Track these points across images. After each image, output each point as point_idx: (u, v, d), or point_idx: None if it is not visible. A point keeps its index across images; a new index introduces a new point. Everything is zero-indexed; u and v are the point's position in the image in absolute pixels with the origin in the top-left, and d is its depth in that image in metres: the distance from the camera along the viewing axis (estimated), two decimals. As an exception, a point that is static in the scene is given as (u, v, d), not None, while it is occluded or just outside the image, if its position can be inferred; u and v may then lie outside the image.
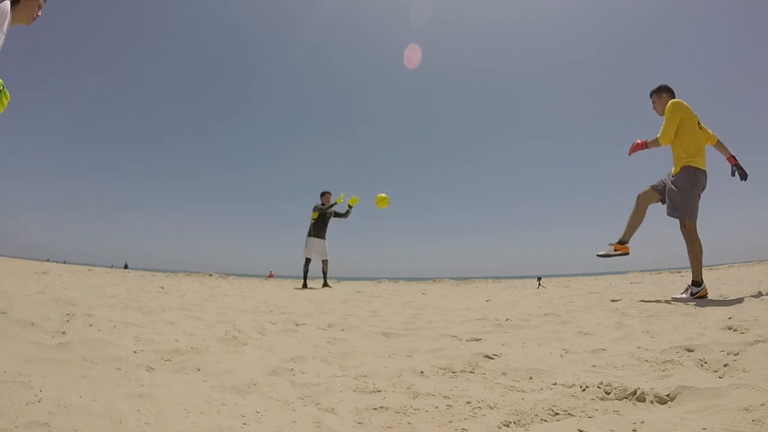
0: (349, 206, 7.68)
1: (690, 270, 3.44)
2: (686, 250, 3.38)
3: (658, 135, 3.47)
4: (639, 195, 3.66)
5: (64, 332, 1.84)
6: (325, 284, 7.45)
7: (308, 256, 7.39)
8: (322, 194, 7.65)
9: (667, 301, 3.26)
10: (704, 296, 3.31)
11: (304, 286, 7.30)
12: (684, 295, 3.37)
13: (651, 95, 3.73)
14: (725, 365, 1.39)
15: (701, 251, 3.34)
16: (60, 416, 0.97)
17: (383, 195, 6.84)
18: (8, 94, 1.97)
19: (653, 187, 3.62)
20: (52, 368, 1.35)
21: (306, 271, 7.39)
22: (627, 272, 11.59)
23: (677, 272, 9.97)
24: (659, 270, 12.10)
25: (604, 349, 1.77)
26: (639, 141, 3.67)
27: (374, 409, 1.15)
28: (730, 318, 2.17)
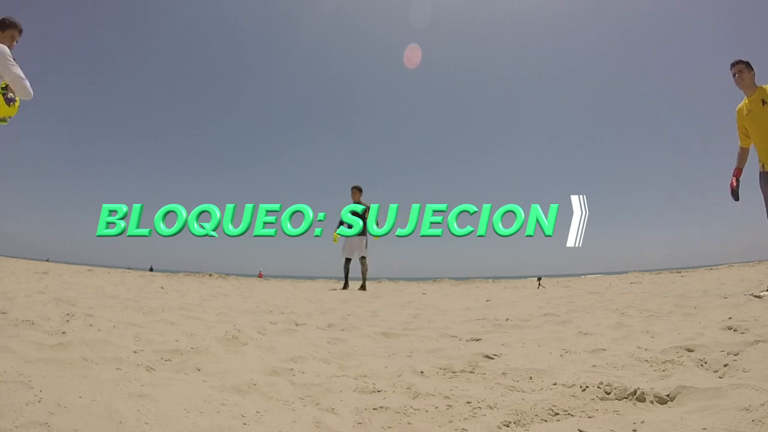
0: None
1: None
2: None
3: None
4: None
5: (64, 332, 1.84)
6: (363, 287, 6.86)
7: (347, 256, 6.85)
8: (352, 189, 6.91)
9: (667, 297, 3.26)
10: None
11: (345, 286, 6.83)
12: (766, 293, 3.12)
13: (736, 63, 3.46)
14: (725, 365, 1.39)
15: None
16: (60, 416, 0.97)
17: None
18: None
19: None
20: (52, 368, 1.35)
21: (347, 271, 6.87)
22: (627, 272, 11.59)
23: (677, 272, 9.97)
24: (659, 270, 12.09)
25: (604, 349, 1.77)
26: (734, 178, 3.36)
27: (374, 409, 1.15)
28: (730, 318, 2.17)
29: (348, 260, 6.90)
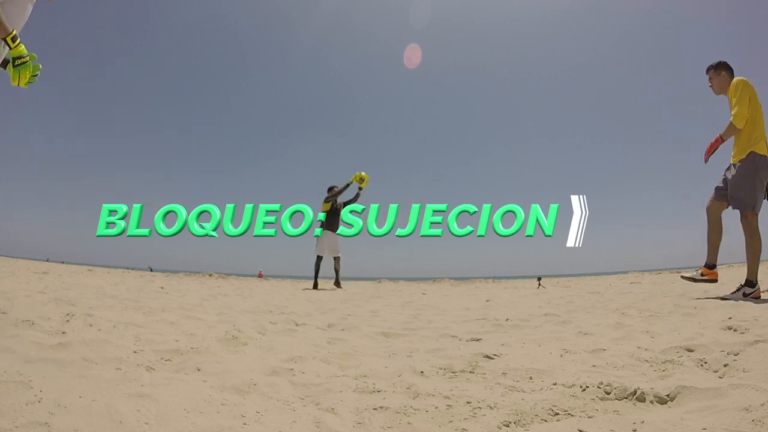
0: (359, 188, 7.04)
1: (747, 265, 3.15)
2: (744, 246, 3.13)
3: (731, 119, 3.18)
4: (707, 208, 3.34)
5: (64, 332, 1.83)
6: (337, 284, 7.01)
7: (320, 254, 6.86)
8: (330, 189, 7.11)
9: (665, 296, 3.25)
10: (757, 297, 3.03)
11: (315, 286, 6.81)
12: (734, 295, 3.11)
13: (708, 71, 3.46)
14: (725, 365, 1.39)
15: (761, 248, 3.12)
16: (60, 416, 0.97)
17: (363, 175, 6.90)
18: (37, 67, 1.99)
19: (717, 194, 3.32)
20: (52, 368, 1.35)
21: (317, 270, 6.88)
22: (627, 272, 11.59)
23: (677, 272, 9.98)
24: (659, 270, 12.10)
25: (604, 349, 1.77)
26: (713, 141, 3.33)
27: (374, 409, 1.15)
28: (730, 318, 2.17)
29: (320, 258, 6.93)
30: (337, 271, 7.04)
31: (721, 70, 3.42)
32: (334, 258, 6.99)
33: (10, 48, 1.86)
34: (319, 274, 6.98)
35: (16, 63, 1.89)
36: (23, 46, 1.91)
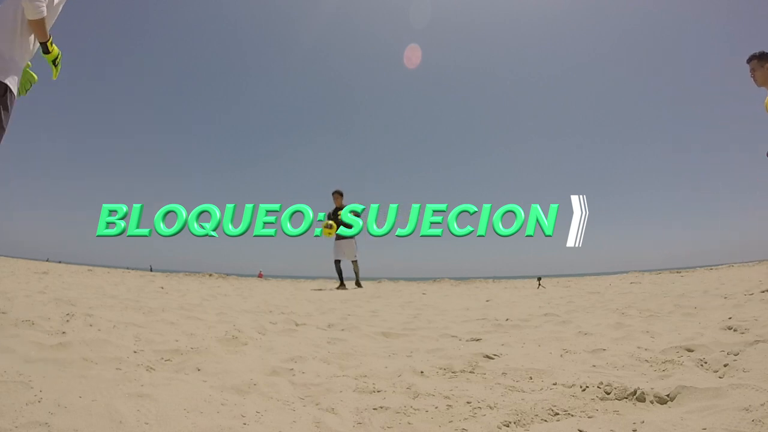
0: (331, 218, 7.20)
1: None
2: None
3: None
4: None
5: (64, 332, 1.83)
6: (358, 284, 7.33)
7: (336, 258, 7.19)
8: (333, 194, 7.24)
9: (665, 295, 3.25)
10: None
11: (341, 286, 7.05)
12: None
13: (750, 60, 3.29)
14: (725, 365, 1.39)
15: None
16: (60, 416, 0.97)
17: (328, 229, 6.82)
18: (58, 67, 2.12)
19: None
20: (52, 368, 1.35)
21: (339, 272, 7.19)
22: (627, 272, 11.58)
23: (677, 272, 9.97)
24: (659, 270, 12.08)
25: (604, 349, 1.77)
26: None
27: (374, 409, 1.15)
28: (730, 318, 2.17)
29: (338, 261, 7.18)
30: (356, 273, 7.35)
31: (765, 61, 3.27)
32: (352, 262, 7.28)
33: (47, 51, 1.98)
34: (339, 276, 7.21)
35: (56, 63, 2.06)
36: (56, 47, 2.06)
